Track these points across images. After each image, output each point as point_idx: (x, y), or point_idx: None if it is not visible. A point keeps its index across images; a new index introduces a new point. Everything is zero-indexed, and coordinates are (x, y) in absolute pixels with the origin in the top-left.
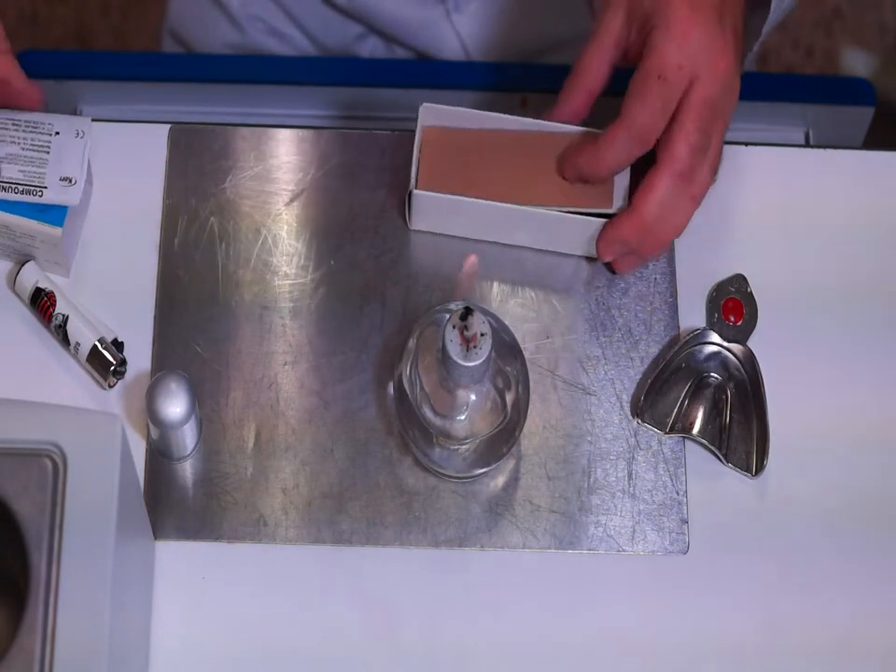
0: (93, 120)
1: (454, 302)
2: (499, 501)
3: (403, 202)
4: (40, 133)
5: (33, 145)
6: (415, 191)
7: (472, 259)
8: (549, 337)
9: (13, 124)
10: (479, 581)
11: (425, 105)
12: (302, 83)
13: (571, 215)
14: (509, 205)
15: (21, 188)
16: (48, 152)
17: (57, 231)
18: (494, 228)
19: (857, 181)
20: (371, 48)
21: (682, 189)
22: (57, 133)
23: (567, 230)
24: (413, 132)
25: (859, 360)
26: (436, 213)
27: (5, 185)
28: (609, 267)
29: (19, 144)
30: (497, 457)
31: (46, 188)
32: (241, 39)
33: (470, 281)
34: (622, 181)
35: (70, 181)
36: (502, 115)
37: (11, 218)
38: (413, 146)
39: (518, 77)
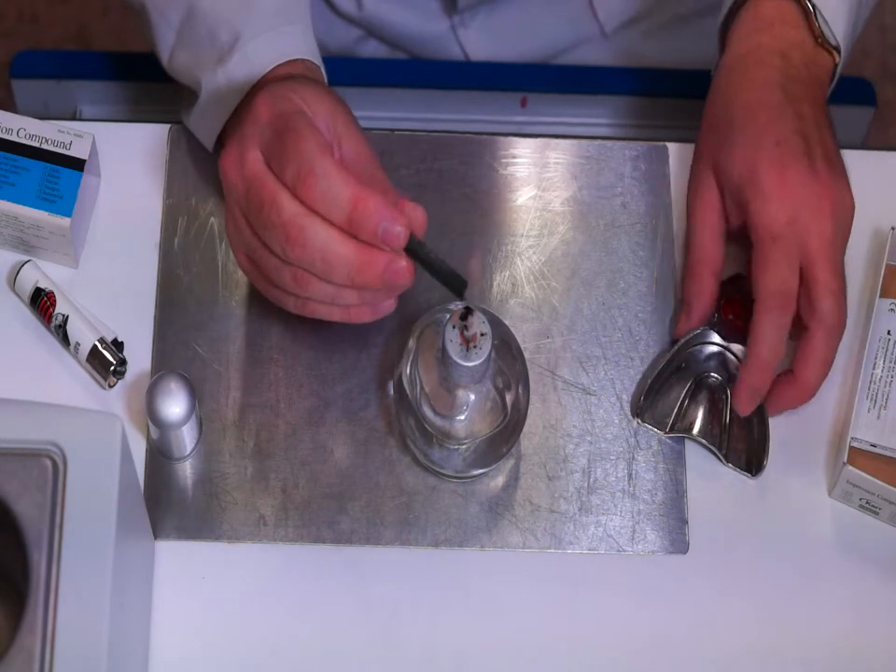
0: (93, 121)
1: (454, 302)
2: (499, 501)
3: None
4: None
5: None
6: None
7: (475, 261)
8: (549, 337)
9: None
10: (479, 581)
11: None
12: None
13: None
14: None
15: None
16: None
17: (65, 221)
18: None
19: (857, 181)
20: (373, 50)
21: (837, 339)
22: None
23: None
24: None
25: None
26: None
27: None
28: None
29: None
30: (496, 457)
31: None
32: None
33: (473, 280)
34: None
35: None
36: None
37: (19, 209)
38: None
39: (518, 77)
